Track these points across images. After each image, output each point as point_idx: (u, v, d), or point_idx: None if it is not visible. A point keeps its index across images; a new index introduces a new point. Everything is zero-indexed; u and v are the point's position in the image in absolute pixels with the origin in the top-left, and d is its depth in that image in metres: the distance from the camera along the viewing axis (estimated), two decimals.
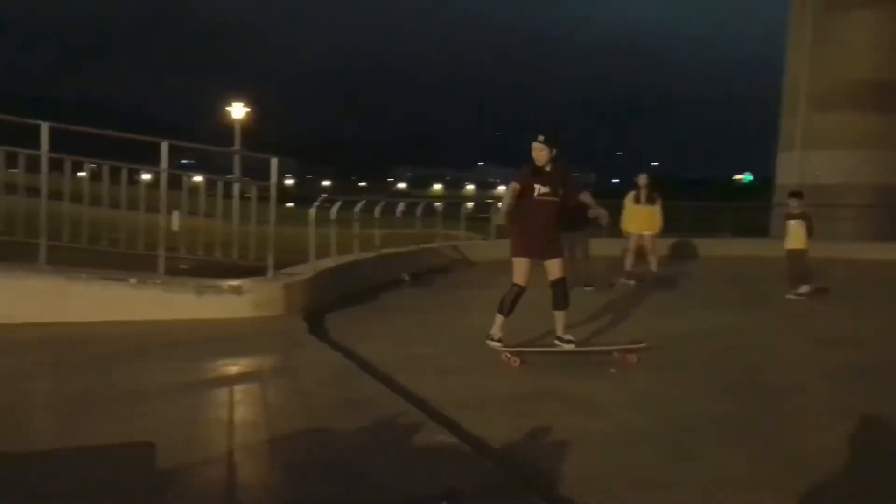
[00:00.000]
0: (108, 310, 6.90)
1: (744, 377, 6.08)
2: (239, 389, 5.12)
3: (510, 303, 6.28)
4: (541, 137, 6.09)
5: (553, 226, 6.27)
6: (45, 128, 7.08)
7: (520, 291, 6.28)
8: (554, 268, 6.31)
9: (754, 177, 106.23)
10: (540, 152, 6.11)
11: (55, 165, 7.41)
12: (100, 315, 6.83)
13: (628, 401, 5.27)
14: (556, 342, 6.35)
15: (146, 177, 8.83)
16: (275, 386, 5.31)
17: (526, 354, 6.26)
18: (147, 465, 3.57)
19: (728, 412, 5.06)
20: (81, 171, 7.69)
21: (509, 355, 6.13)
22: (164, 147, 7.52)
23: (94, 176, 7.76)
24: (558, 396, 5.28)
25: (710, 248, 17.32)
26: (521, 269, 6.28)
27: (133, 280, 7.13)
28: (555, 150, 6.13)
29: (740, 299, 10.74)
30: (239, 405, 4.76)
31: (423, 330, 7.68)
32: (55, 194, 7.46)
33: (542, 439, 4.39)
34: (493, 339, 6.29)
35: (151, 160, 7.84)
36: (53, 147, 7.13)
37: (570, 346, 6.34)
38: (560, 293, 6.33)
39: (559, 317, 6.36)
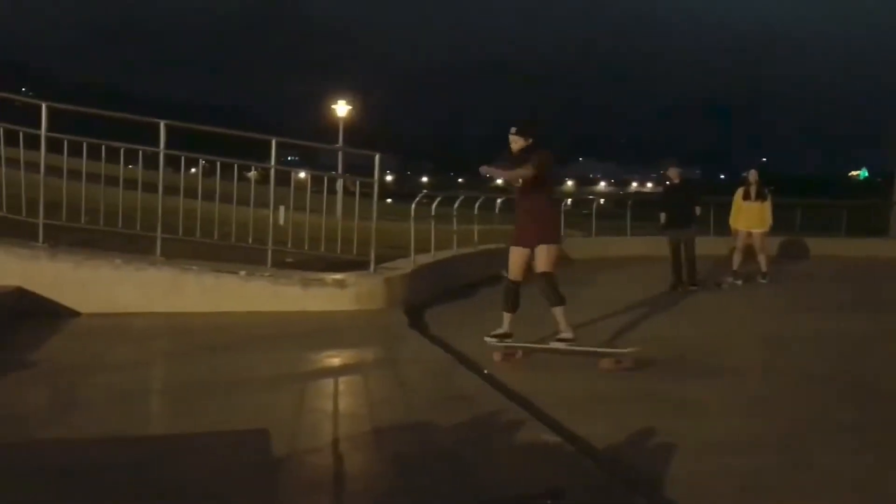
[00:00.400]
0: (219, 301, 7.18)
1: (860, 384, 5.76)
2: (343, 381, 5.25)
3: (504, 297, 6.16)
4: (513, 129, 6.03)
5: (535, 212, 6.08)
6: (162, 126, 7.42)
7: (510, 285, 6.13)
8: (538, 258, 6.09)
9: (870, 173, 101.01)
10: (513, 144, 6.05)
11: (169, 162, 7.78)
12: (211, 306, 7.12)
13: (737, 405, 5.08)
14: (554, 342, 6.09)
15: (253, 173, 9.16)
16: (378, 378, 5.39)
17: (512, 351, 6.08)
18: (257, 453, 3.69)
19: (843, 420, 4.80)
20: (194, 167, 8.04)
21: (499, 352, 5.98)
22: (273, 144, 7.76)
23: (206, 172, 8.10)
24: (664, 398, 5.14)
25: (823, 247, 16.52)
26: (511, 260, 6.18)
27: (243, 272, 7.39)
28: (531, 140, 6.02)
29: (856, 302, 10.19)
30: (343, 396, 4.87)
31: (519, 327, 7.63)
32: (170, 190, 7.82)
33: (646, 441, 4.28)
34: (491, 336, 6.14)
35: (259, 157, 8.11)
36: (168, 145, 7.49)
37: (560, 345, 6.06)
38: (542, 288, 6.08)
39: (555, 313, 6.10)
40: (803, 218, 17.72)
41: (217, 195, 7.75)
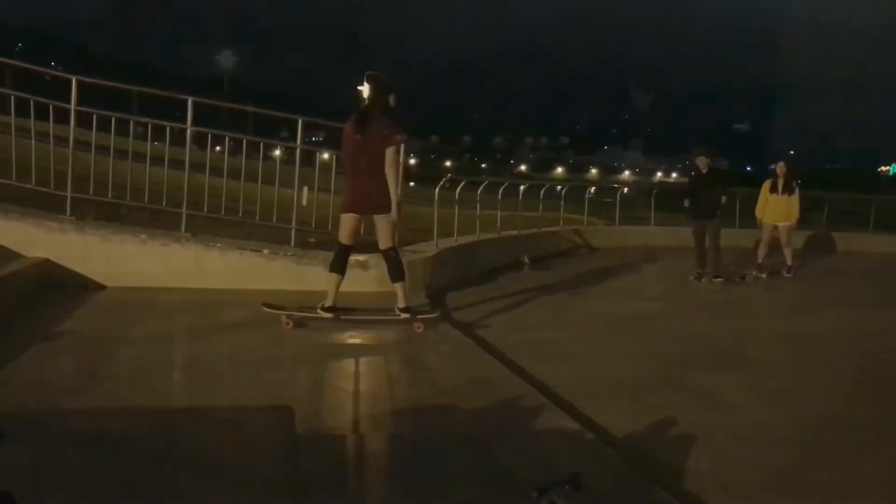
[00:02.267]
0: (242, 278, 7.23)
1: (886, 381, 5.70)
2: (364, 361, 5.26)
3: (333, 259, 6.02)
4: (364, 80, 5.79)
5: (375, 175, 5.78)
6: (190, 103, 7.45)
7: (341, 250, 5.97)
8: (380, 230, 5.98)
9: None
10: (361, 93, 5.83)
11: (196, 139, 7.81)
12: (235, 283, 7.17)
13: (759, 398, 5.05)
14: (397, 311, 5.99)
15: (278, 153, 9.17)
16: (399, 360, 5.41)
17: (303, 318, 5.92)
18: (280, 430, 3.72)
19: (867, 416, 4.76)
20: (220, 145, 8.06)
21: (286, 318, 5.83)
22: (300, 124, 7.76)
23: (231, 151, 8.13)
24: (685, 389, 5.12)
25: (850, 242, 16.30)
26: (343, 225, 6.00)
27: (266, 251, 7.42)
28: (388, 97, 5.85)
29: (882, 299, 10.06)
30: (365, 377, 4.90)
31: (542, 313, 7.63)
32: (196, 167, 7.86)
33: (667, 431, 4.27)
34: (321, 307, 5.94)
35: (284, 136, 8.11)
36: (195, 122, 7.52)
37: (401, 315, 5.97)
38: (388, 263, 6.05)
39: (396, 288, 6.02)
40: (832, 212, 17.45)
41: (242, 173, 7.77)
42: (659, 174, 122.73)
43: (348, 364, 5.13)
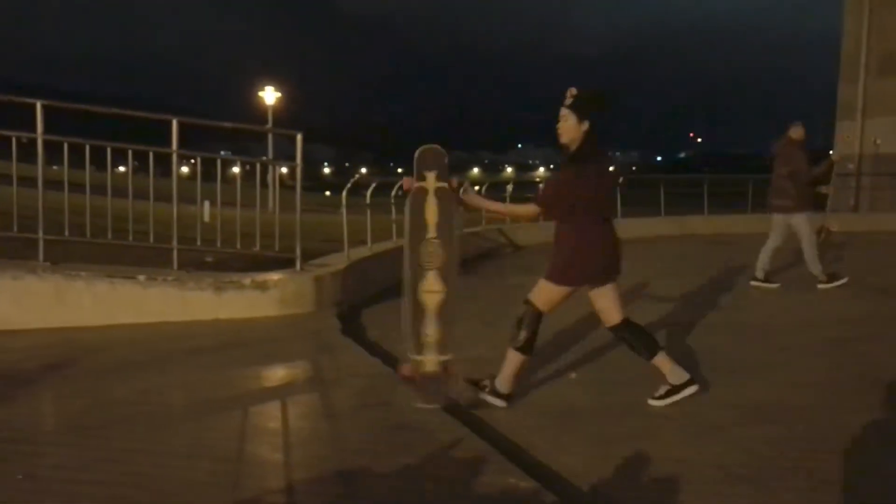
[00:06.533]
0: (113, 312, 6.07)
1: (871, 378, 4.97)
2: (255, 412, 4.15)
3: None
4: (571, 92, 4.08)
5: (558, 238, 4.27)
6: (39, 107, 6.21)
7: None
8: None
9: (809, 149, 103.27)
10: (563, 122, 4.10)
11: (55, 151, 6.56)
12: (105, 318, 6.02)
13: (745, 416, 4.18)
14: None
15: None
16: (300, 405, 4.34)
17: None
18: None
19: (876, 423, 3.97)
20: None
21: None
22: (174, 125, 6.60)
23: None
24: (651, 412, 4.24)
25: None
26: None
27: (142, 277, 6.26)
28: (587, 125, 4.05)
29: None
30: (254, 434, 3.83)
31: (474, 326, 6.68)
32: (54, 184, 6.62)
33: (642, 473, 3.37)
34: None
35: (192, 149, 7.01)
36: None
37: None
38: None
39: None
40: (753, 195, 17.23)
41: (108, 188, 6.52)
42: None
43: (231, 419, 4.00)
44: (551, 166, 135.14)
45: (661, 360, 4.28)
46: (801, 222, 8.23)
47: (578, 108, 4.06)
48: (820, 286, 8.23)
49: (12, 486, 2.98)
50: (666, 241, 14.76)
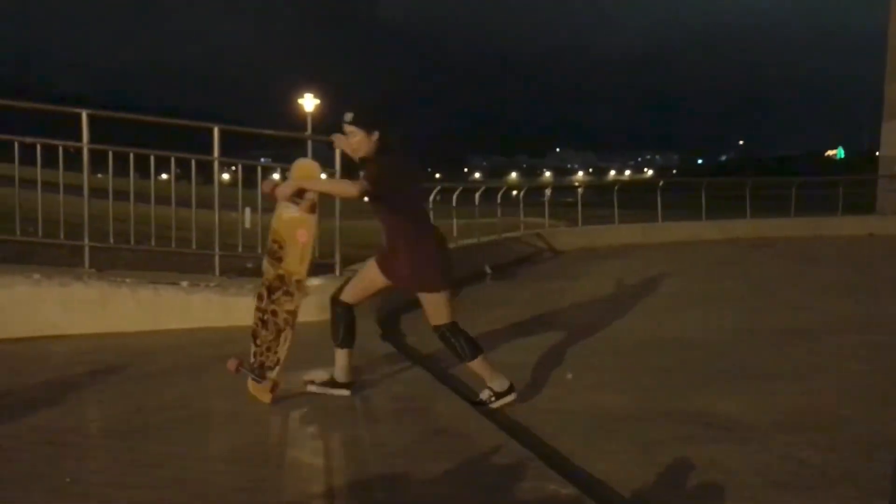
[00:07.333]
0: (157, 317, 6.17)
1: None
2: (295, 416, 4.20)
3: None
4: (348, 115, 4.18)
5: (398, 244, 4.60)
6: (84, 116, 6.35)
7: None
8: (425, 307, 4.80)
9: (846, 152, 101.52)
10: (350, 138, 4.23)
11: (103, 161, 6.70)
12: (149, 323, 6.12)
13: (781, 420, 4.11)
14: None
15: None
16: (340, 411, 4.36)
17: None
18: None
19: None
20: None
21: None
22: (216, 133, 6.71)
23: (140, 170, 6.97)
24: (691, 416, 4.18)
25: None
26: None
27: (185, 283, 6.35)
28: (376, 135, 4.12)
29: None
30: (295, 440, 3.86)
31: (511, 332, 6.66)
32: (100, 193, 6.76)
33: (685, 479, 3.32)
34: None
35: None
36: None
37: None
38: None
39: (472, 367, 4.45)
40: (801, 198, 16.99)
41: (153, 196, 6.64)
42: (612, 172, 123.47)
43: (273, 425, 4.07)
44: (590, 170, 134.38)
45: (480, 365, 4.33)
46: None
47: (362, 123, 4.14)
48: None
49: (61, 490, 3.03)
50: (708, 245, 14.56)
